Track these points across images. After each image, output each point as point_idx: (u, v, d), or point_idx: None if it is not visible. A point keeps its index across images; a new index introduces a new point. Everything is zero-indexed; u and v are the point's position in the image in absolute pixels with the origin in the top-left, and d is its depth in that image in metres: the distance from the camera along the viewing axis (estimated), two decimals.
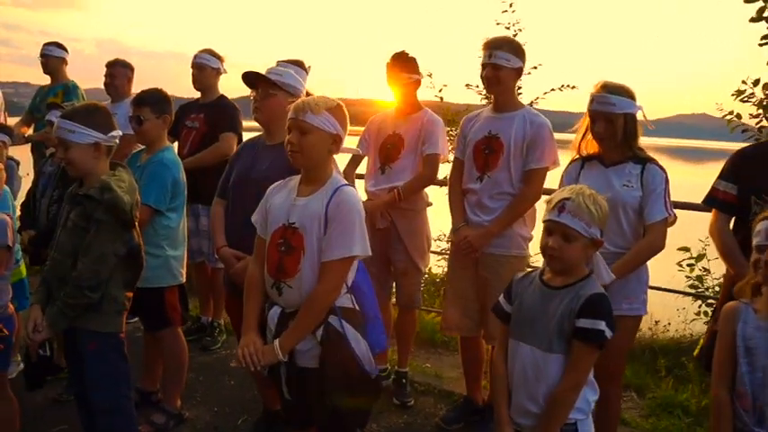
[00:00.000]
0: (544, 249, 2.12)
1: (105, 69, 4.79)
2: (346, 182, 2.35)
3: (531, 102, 6.46)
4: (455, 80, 6.37)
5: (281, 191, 2.40)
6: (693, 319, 4.80)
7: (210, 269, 4.41)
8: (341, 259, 2.23)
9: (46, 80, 5.54)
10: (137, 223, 2.59)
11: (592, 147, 2.93)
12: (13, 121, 5.63)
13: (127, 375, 2.66)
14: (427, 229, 3.84)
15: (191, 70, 4.40)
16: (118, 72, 4.77)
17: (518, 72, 3.26)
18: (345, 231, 2.22)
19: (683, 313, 4.92)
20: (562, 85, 6.30)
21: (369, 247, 2.28)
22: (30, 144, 5.41)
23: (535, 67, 6.56)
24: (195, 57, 4.37)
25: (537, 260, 3.47)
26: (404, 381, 3.82)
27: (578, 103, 3.40)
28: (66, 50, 5.42)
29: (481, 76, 3.31)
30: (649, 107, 2.94)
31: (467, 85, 6.14)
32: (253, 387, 3.78)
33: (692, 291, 4.79)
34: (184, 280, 3.28)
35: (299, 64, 4.09)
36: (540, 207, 3.32)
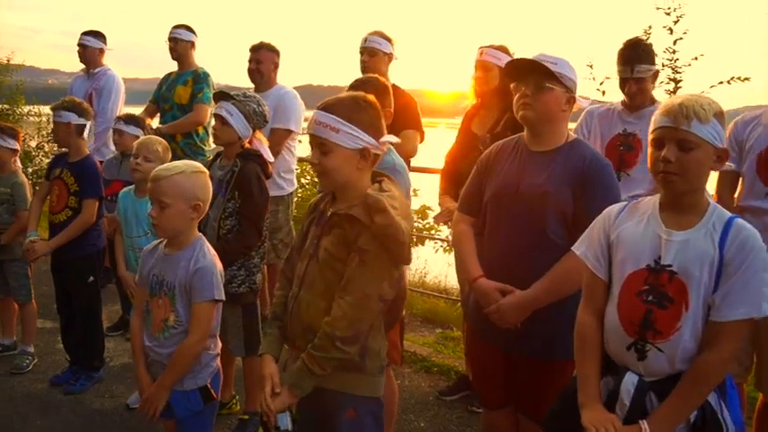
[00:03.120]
0: None
1: (249, 54, 4.23)
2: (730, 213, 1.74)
3: None
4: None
5: (632, 218, 1.80)
6: None
7: None
8: (744, 320, 1.63)
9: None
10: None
11: None
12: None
13: None
14: None
15: (359, 56, 3.81)
16: (264, 56, 4.19)
17: None
18: (753, 282, 1.61)
19: None
20: (732, 78, 5.57)
21: None
22: None
23: (696, 58, 5.87)
24: (365, 40, 3.78)
25: None
26: None
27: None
28: (194, 33, 4.87)
29: None
30: None
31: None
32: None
33: None
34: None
35: (503, 50, 3.52)
36: None
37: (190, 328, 2.11)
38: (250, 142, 3.05)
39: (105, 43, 5.38)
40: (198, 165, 2.20)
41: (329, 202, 1.98)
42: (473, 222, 2.44)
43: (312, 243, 1.95)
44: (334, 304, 1.82)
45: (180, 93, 4.73)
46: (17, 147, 3.73)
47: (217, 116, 2.97)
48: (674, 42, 5.75)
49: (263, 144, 3.10)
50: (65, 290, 3.52)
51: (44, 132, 9.37)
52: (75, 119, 3.38)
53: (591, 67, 5.49)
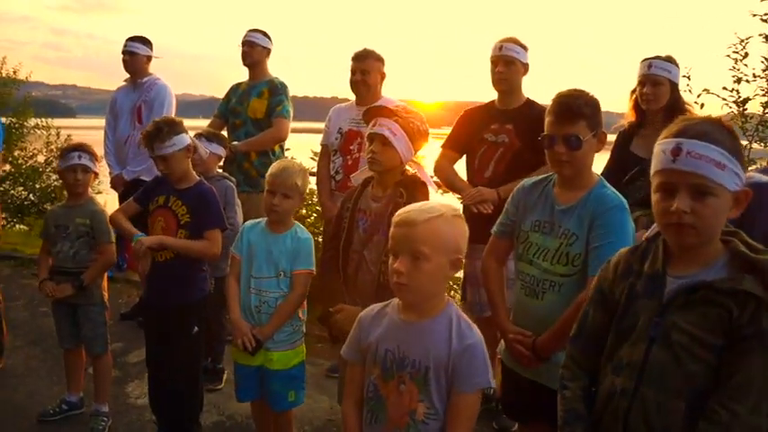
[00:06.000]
0: None
1: (352, 63, 3.71)
2: None
3: None
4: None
5: None
6: None
7: None
8: None
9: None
10: None
11: None
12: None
13: None
14: None
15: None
16: (371, 66, 3.67)
17: None
18: None
19: None
20: None
21: None
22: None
23: None
24: (500, 48, 3.31)
25: None
26: None
27: None
28: (270, 39, 4.33)
29: None
30: None
31: (723, 87, 5.14)
32: None
33: None
34: None
35: (672, 61, 3.10)
36: None
37: (453, 424, 1.58)
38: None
39: (152, 50, 4.82)
40: (455, 207, 1.69)
41: (656, 261, 1.47)
42: None
43: (649, 321, 1.44)
44: (721, 410, 1.32)
45: (255, 106, 4.19)
46: (97, 169, 3.15)
47: (377, 135, 2.45)
48: None
49: (422, 170, 2.59)
50: (160, 341, 2.93)
51: (53, 147, 8.66)
52: (188, 140, 2.80)
53: (688, 78, 5.11)
